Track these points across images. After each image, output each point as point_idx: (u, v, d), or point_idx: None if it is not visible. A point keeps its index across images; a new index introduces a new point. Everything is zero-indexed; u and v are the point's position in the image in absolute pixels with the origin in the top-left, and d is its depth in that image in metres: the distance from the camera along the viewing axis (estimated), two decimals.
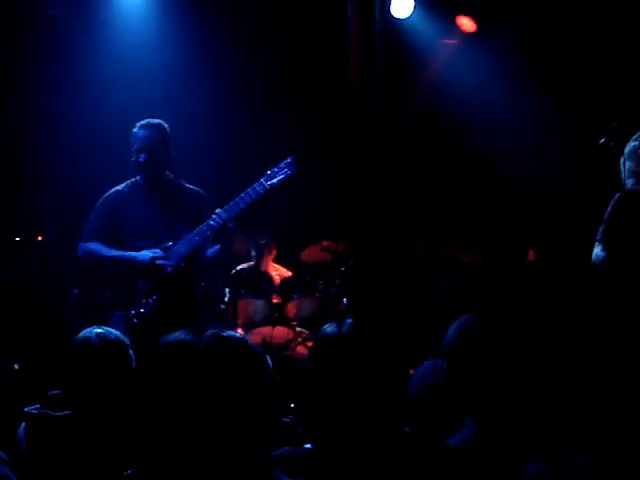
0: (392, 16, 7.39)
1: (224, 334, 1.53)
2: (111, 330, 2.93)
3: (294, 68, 7.84)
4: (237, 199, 4.56)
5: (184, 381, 1.46)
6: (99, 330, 2.87)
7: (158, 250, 4.56)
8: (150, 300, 4.50)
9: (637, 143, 3.83)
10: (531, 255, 7.10)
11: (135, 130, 4.64)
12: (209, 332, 1.52)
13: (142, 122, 4.65)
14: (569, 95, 7.07)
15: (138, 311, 4.49)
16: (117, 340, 2.85)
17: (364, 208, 7.89)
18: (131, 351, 2.91)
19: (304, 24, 7.63)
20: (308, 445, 2.13)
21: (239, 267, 7.37)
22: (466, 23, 7.72)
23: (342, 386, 2.03)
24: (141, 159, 4.59)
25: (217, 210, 4.55)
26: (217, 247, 4.73)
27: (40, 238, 7.46)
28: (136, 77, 7.25)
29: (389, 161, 7.94)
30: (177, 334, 1.53)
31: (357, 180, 8.02)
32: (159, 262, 4.50)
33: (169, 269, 4.51)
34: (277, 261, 7.84)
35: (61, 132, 7.19)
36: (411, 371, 2.71)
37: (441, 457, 2.09)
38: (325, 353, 2.09)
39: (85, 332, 2.87)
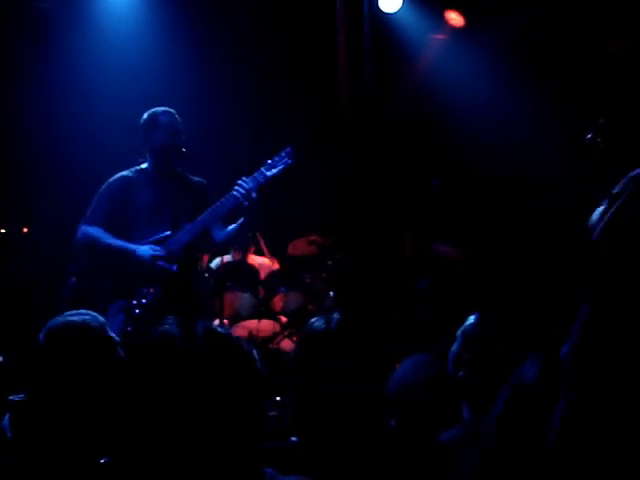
0: (381, 10, 7.40)
1: (216, 329, 1.53)
2: (81, 314, 2.86)
3: (287, 61, 7.83)
4: (228, 196, 4.54)
5: (170, 375, 1.46)
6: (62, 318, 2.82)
7: (159, 248, 4.50)
8: (152, 290, 4.45)
9: None
10: (515, 249, 7.11)
11: (159, 113, 4.64)
12: (201, 326, 1.52)
13: (165, 108, 4.67)
14: (557, 90, 7.09)
15: (139, 301, 4.44)
16: (82, 324, 2.79)
17: (353, 203, 7.92)
18: (108, 336, 2.84)
19: (297, 16, 7.62)
20: (293, 438, 2.13)
21: (225, 260, 7.35)
22: (454, 18, 7.73)
23: (328, 380, 2.03)
24: (179, 140, 4.60)
25: (239, 181, 4.52)
26: (234, 226, 4.66)
27: (26, 230, 7.43)
28: (128, 67, 7.23)
29: (377, 155, 7.97)
30: (166, 327, 1.52)
31: (346, 174, 8.03)
32: (159, 263, 4.46)
33: (171, 271, 4.47)
34: (261, 253, 7.84)
35: (48, 123, 7.15)
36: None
37: (431, 452, 2.09)
38: (312, 347, 2.09)
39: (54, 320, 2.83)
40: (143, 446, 1.45)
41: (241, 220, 4.61)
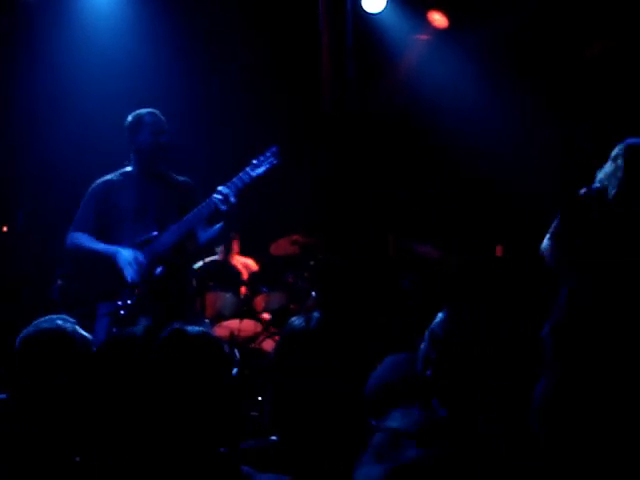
0: (364, 10, 7.41)
1: (187, 328, 1.53)
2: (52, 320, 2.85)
3: (270, 60, 7.83)
4: (208, 201, 4.54)
5: (138, 375, 1.45)
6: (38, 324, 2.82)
7: (140, 255, 4.49)
8: (137, 290, 4.45)
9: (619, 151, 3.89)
10: (498, 251, 7.15)
11: (144, 115, 4.63)
12: (171, 326, 1.52)
13: (149, 109, 4.67)
14: (540, 92, 7.13)
15: (125, 302, 4.44)
16: (57, 329, 2.78)
17: (335, 202, 7.92)
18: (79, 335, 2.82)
19: (280, 15, 7.62)
20: (273, 437, 2.13)
21: (207, 259, 7.33)
22: (438, 19, 7.75)
23: (307, 379, 2.03)
24: (163, 141, 4.59)
25: (219, 187, 4.53)
26: (216, 228, 4.66)
27: (5, 229, 7.37)
28: (112, 66, 7.20)
29: (359, 155, 7.98)
30: (136, 327, 1.52)
31: (329, 174, 8.04)
32: (137, 268, 4.46)
33: (153, 274, 4.47)
34: (244, 253, 7.82)
35: (31, 119, 7.11)
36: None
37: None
38: (291, 346, 2.09)
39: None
40: (117, 444, 1.45)
41: (220, 226, 4.62)
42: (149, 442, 1.46)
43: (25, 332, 2.79)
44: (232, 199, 4.49)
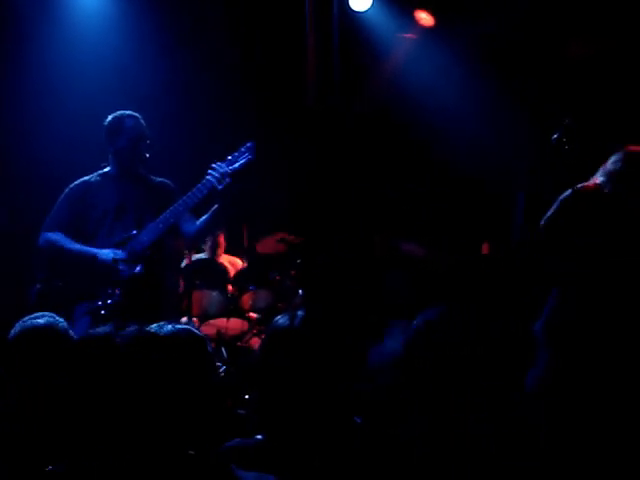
0: (351, 8, 7.42)
1: (148, 330, 1.52)
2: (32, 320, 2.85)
3: (256, 57, 7.81)
4: (200, 185, 4.54)
5: (104, 377, 1.45)
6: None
7: (120, 252, 4.50)
8: (117, 290, 4.44)
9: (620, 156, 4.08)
10: (485, 249, 7.17)
11: (124, 118, 4.65)
12: (131, 328, 1.51)
13: (130, 112, 4.68)
14: (526, 91, 7.15)
15: (105, 302, 4.43)
16: (48, 326, 2.78)
17: (319, 202, 7.92)
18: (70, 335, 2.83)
19: (266, 13, 7.61)
20: (259, 436, 2.13)
21: (194, 257, 7.32)
22: (424, 17, 7.76)
23: (293, 378, 2.04)
24: (143, 145, 4.63)
25: (213, 165, 4.51)
26: (206, 217, 4.64)
27: None
28: (99, 64, 7.16)
29: (344, 155, 7.98)
30: (100, 329, 1.52)
31: (313, 173, 8.03)
32: (120, 267, 4.45)
33: (125, 274, 4.46)
34: (231, 252, 7.81)
35: (16, 118, 7.07)
36: None
37: (388, 447, 2.11)
38: (275, 344, 2.09)
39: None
40: (90, 448, 1.45)
41: (215, 207, 4.59)
42: (123, 444, 1.46)
43: (15, 330, 2.79)
44: (228, 179, 4.49)
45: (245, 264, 7.61)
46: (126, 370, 1.48)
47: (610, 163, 4.07)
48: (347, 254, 7.07)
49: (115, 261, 4.45)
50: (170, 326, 1.56)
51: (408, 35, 7.84)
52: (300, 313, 2.10)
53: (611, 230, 3.89)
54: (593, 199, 3.95)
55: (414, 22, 7.76)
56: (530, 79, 7.19)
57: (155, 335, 1.53)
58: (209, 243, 7.46)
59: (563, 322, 3.69)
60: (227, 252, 7.73)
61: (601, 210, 3.93)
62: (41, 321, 2.83)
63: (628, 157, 3.99)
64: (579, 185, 4.01)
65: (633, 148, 4.04)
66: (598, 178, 4.07)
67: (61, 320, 2.89)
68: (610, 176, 4.00)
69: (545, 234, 3.97)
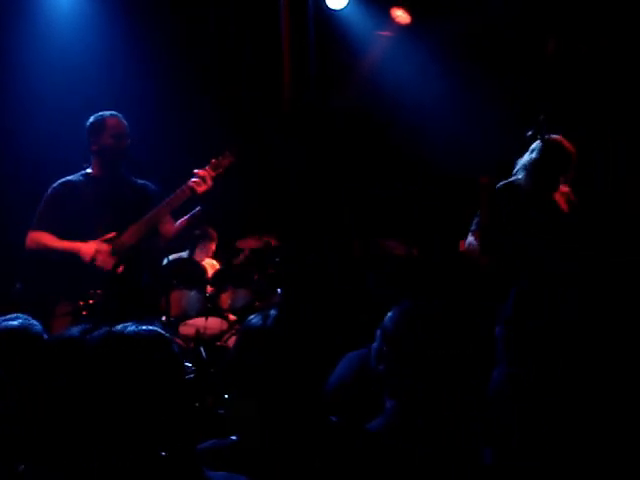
0: (327, 6, 7.42)
1: (119, 330, 1.51)
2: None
3: (228, 59, 7.79)
4: (182, 188, 4.60)
5: (73, 379, 1.44)
6: None
7: (104, 246, 4.50)
8: (99, 290, 4.44)
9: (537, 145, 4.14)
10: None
11: (106, 117, 4.66)
12: (102, 329, 1.50)
13: (112, 112, 4.70)
14: (503, 89, 7.17)
15: (86, 302, 4.42)
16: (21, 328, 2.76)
17: (297, 202, 7.90)
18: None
19: (241, 11, 7.59)
20: (233, 437, 2.12)
21: (172, 257, 7.27)
22: (401, 15, 7.77)
23: (266, 377, 2.03)
24: (124, 145, 4.63)
25: (196, 170, 4.61)
26: (185, 218, 4.69)
27: None
28: (75, 64, 7.13)
29: (322, 154, 7.96)
30: (69, 330, 1.51)
31: (290, 174, 8.01)
32: (100, 260, 4.45)
33: (109, 269, 4.46)
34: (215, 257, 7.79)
35: None
36: None
37: (361, 442, 2.11)
38: (248, 344, 2.09)
39: None
40: (66, 449, 1.44)
41: (196, 209, 4.64)
42: (92, 445, 1.44)
43: None
44: (210, 181, 4.57)
45: (222, 263, 7.59)
46: (94, 371, 1.46)
47: (527, 154, 4.16)
48: (324, 253, 7.07)
49: (98, 252, 4.44)
50: (134, 326, 1.55)
51: (385, 33, 7.84)
52: (273, 312, 2.09)
53: (528, 224, 3.99)
54: (507, 195, 4.06)
55: (391, 20, 7.77)
56: (508, 75, 7.22)
57: (120, 335, 1.51)
58: (203, 248, 7.48)
59: (516, 320, 3.75)
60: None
61: (516, 205, 4.04)
62: (15, 323, 2.80)
63: (543, 146, 4.06)
64: (501, 183, 4.14)
65: (550, 138, 4.09)
66: (517, 171, 4.17)
67: (36, 323, 2.86)
68: (525, 166, 4.10)
69: (482, 234, 4.10)
